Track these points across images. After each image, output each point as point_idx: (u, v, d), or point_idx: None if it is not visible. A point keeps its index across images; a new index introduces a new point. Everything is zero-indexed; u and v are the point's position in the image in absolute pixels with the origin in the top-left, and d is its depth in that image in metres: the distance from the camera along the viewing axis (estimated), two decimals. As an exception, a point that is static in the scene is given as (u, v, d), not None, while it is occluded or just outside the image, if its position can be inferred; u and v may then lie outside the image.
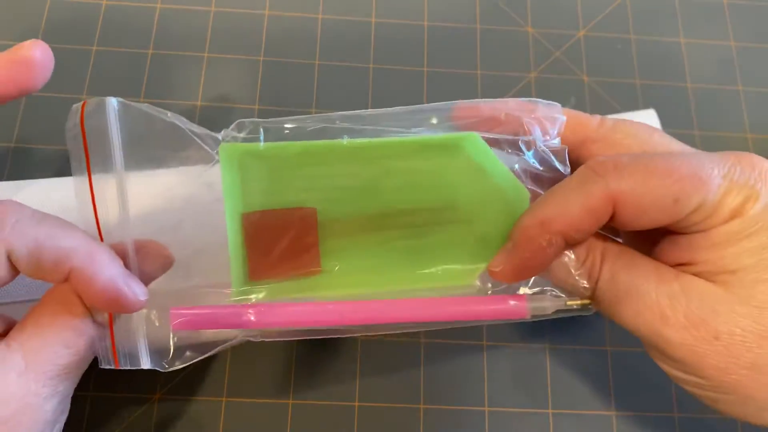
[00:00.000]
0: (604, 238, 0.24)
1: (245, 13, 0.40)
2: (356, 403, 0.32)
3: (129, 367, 0.24)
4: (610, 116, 0.26)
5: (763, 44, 0.42)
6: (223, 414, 0.32)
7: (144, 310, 0.24)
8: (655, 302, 0.22)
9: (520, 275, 0.24)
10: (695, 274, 0.22)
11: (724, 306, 0.21)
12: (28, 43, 0.25)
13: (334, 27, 0.40)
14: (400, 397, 0.33)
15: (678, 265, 0.23)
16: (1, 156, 0.36)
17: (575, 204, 0.22)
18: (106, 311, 0.23)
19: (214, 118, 0.37)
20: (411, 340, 0.34)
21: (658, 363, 0.24)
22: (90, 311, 0.23)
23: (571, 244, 0.23)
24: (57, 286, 0.23)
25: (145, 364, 0.24)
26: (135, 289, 0.23)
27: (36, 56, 0.25)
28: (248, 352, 0.33)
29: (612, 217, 0.22)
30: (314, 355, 0.33)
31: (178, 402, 0.32)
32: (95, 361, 0.32)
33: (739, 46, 0.42)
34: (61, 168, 0.36)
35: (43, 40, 0.38)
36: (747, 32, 0.42)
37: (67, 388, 0.23)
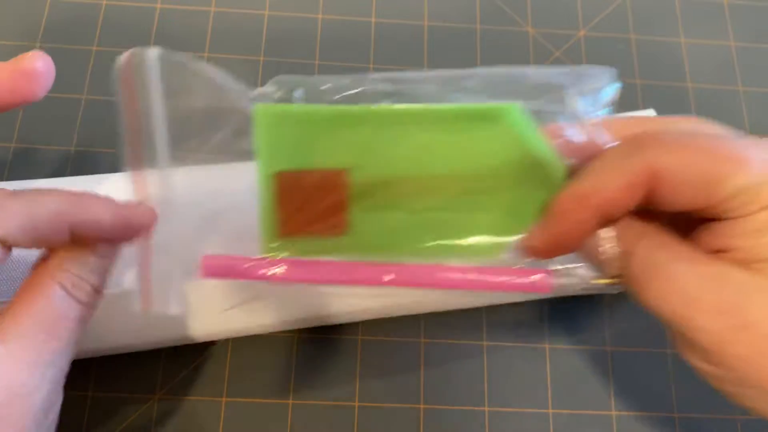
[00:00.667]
0: (640, 217, 0.23)
1: (245, 13, 0.40)
2: (356, 403, 0.32)
3: (158, 310, 0.24)
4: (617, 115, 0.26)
5: (763, 44, 0.42)
6: (223, 414, 0.32)
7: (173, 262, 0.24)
8: (686, 284, 0.21)
9: (554, 251, 0.23)
10: (730, 262, 0.21)
11: (758, 295, 0.20)
12: (30, 54, 0.26)
13: (334, 27, 0.40)
14: (400, 397, 0.33)
15: (713, 252, 0.22)
16: (2, 156, 0.36)
17: (615, 178, 0.21)
18: (128, 241, 0.24)
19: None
20: (411, 340, 0.34)
21: (682, 353, 0.23)
22: (70, 292, 0.23)
23: (608, 220, 0.22)
24: (33, 272, 0.23)
25: (174, 309, 0.24)
26: (140, 207, 0.23)
27: (38, 67, 0.26)
28: (248, 351, 0.33)
29: (651, 196, 0.22)
30: (314, 355, 0.33)
31: (178, 402, 0.32)
32: (96, 360, 0.32)
33: (739, 46, 0.42)
34: (61, 168, 0.36)
35: (43, 40, 0.39)
36: (747, 32, 0.42)
37: (55, 374, 0.23)
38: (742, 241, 0.21)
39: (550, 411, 0.33)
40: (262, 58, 0.39)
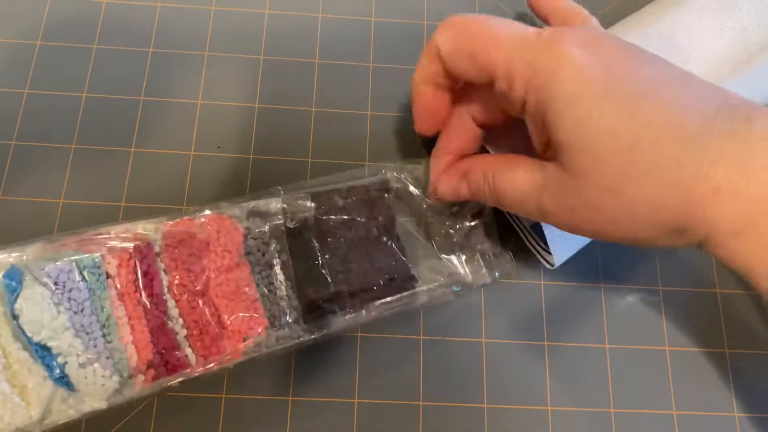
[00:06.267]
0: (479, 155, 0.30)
1: (246, 12, 0.40)
2: (356, 400, 0.33)
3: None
4: None
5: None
6: (223, 411, 0.32)
7: None
8: (529, 192, 0.27)
9: (432, 126, 0.31)
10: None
11: (570, 185, 0.25)
12: None
13: (334, 26, 0.40)
14: (400, 394, 0.33)
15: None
16: (2, 154, 0.36)
17: (425, 58, 0.29)
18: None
19: (215, 116, 0.37)
20: (410, 337, 0.34)
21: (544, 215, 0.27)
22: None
23: (444, 89, 0.29)
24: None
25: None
26: None
27: None
28: (248, 349, 0.33)
29: (445, 67, 0.28)
30: (314, 353, 0.33)
31: (177, 399, 0.32)
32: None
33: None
34: (61, 166, 0.36)
35: (44, 38, 0.39)
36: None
37: None
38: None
39: (549, 408, 0.33)
40: (262, 57, 0.39)
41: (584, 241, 0.35)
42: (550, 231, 0.33)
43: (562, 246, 0.34)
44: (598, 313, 0.35)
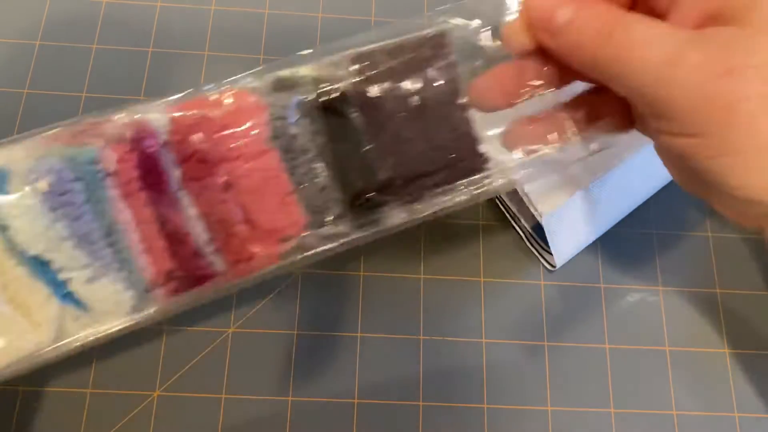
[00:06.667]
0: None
1: (245, 12, 0.40)
2: (355, 400, 0.33)
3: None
4: None
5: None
6: (223, 411, 0.32)
7: None
8: (665, 44, 0.20)
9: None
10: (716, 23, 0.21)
11: (743, 41, 0.20)
12: None
13: (334, 25, 0.40)
14: (399, 394, 0.33)
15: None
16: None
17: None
18: None
19: (214, 116, 0.37)
20: (410, 337, 0.34)
21: (651, 133, 0.22)
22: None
23: None
24: None
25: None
26: None
27: None
28: (247, 348, 0.33)
29: None
30: (313, 352, 0.33)
31: (177, 399, 0.32)
32: (95, 357, 0.32)
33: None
34: (61, 165, 0.36)
35: (44, 38, 0.39)
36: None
37: None
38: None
39: (549, 408, 0.33)
40: (262, 57, 0.39)
41: (585, 242, 0.35)
42: (551, 232, 0.33)
43: (563, 247, 0.34)
44: (598, 313, 0.35)
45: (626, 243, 0.36)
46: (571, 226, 0.34)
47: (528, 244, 0.36)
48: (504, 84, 0.25)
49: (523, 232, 0.36)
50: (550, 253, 0.34)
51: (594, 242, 0.35)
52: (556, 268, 0.35)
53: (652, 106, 0.21)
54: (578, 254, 0.35)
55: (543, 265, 0.35)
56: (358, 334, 0.34)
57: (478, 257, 0.36)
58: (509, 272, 0.35)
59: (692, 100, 0.20)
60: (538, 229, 0.34)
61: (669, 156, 0.24)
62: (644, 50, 0.20)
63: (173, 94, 0.36)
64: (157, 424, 0.32)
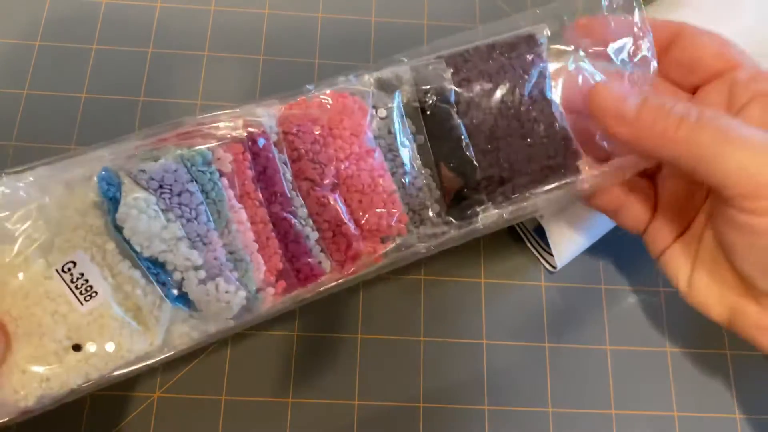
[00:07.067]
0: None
1: (245, 12, 0.40)
2: (356, 402, 0.32)
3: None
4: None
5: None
6: (223, 412, 0.32)
7: None
8: (762, 135, 0.22)
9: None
10: None
11: None
12: None
13: (333, 26, 0.40)
14: (400, 396, 0.33)
15: None
16: (2, 154, 0.36)
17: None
18: None
19: (214, 116, 0.37)
20: (411, 338, 0.34)
21: (737, 222, 0.24)
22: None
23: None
24: None
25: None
26: None
27: None
28: (248, 350, 0.33)
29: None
30: (314, 353, 0.33)
31: (177, 400, 0.32)
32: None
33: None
34: (60, 166, 0.35)
35: (43, 38, 0.39)
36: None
37: None
38: None
39: (550, 410, 0.33)
40: (262, 57, 0.39)
41: (586, 243, 0.35)
42: (552, 234, 0.33)
43: (564, 248, 0.34)
44: (599, 314, 0.35)
45: (627, 244, 0.36)
46: (571, 228, 0.34)
47: (529, 245, 0.36)
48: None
49: (524, 234, 0.36)
50: (551, 255, 0.34)
51: (595, 244, 0.35)
52: (557, 269, 0.35)
53: (752, 186, 0.23)
54: (579, 255, 0.35)
55: (544, 266, 0.35)
56: (359, 336, 0.34)
57: (479, 258, 0.35)
58: (510, 273, 0.35)
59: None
60: (539, 231, 0.34)
61: (752, 240, 0.24)
62: (744, 134, 0.23)
63: (173, 96, 0.36)
64: (157, 425, 0.31)
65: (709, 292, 0.27)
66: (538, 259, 0.35)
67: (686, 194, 0.28)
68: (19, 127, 0.36)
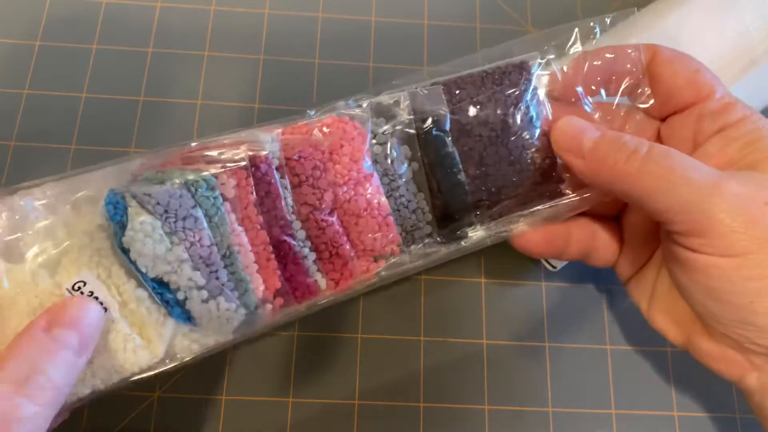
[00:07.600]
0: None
1: (245, 12, 0.40)
2: (356, 401, 0.32)
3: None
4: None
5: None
6: (223, 412, 0.32)
7: None
8: (710, 173, 0.23)
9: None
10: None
11: None
12: None
13: (334, 26, 0.40)
14: (400, 396, 0.33)
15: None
16: (2, 154, 0.36)
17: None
18: None
19: (214, 117, 0.37)
20: (411, 338, 0.34)
21: (683, 259, 0.24)
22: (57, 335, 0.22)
23: None
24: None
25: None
26: None
27: None
28: (248, 350, 0.33)
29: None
30: (314, 353, 0.33)
31: (177, 400, 0.32)
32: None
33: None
34: (60, 166, 0.35)
35: (43, 37, 0.39)
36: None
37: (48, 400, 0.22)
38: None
39: (550, 409, 0.33)
40: (262, 57, 0.39)
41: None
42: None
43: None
44: (599, 314, 0.35)
45: (627, 244, 0.36)
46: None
47: (529, 244, 0.36)
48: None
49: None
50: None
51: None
52: (558, 268, 0.35)
53: (692, 223, 0.23)
54: (579, 255, 0.35)
55: (544, 265, 0.35)
56: (359, 335, 0.34)
57: (479, 258, 0.35)
58: (510, 273, 0.35)
59: (736, 223, 0.22)
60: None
61: (692, 276, 0.24)
62: (689, 171, 0.23)
63: (173, 96, 0.36)
64: (157, 425, 0.32)
65: (666, 320, 0.28)
66: (539, 259, 0.35)
67: (647, 228, 0.29)
68: (19, 127, 0.36)
